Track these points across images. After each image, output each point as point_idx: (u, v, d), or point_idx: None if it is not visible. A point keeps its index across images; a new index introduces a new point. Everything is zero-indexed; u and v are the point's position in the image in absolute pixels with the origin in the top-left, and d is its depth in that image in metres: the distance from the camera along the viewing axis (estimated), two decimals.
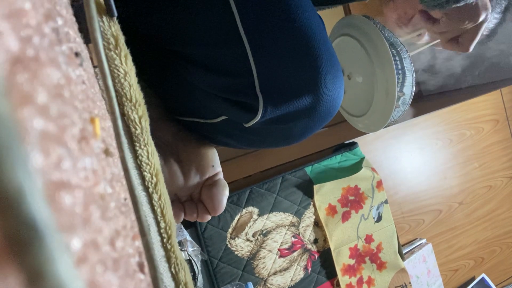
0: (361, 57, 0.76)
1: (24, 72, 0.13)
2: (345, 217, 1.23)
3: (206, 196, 0.57)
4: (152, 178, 0.38)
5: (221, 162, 0.62)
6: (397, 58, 0.70)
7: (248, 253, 1.14)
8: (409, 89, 0.74)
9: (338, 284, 1.23)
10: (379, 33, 0.70)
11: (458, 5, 0.59)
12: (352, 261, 1.24)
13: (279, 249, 1.17)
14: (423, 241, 1.44)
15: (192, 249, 0.94)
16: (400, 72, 0.70)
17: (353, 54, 0.78)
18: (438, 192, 1.47)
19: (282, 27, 0.44)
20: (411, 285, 1.31)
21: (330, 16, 1.19)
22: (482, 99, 1.50)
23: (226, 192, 0.58)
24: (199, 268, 0.94)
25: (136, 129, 0.37)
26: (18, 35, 0.13)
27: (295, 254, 1.19)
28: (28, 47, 0.13)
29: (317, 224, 1.22)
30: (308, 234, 1.21)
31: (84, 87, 0.21)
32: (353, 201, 1.24)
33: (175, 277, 0.39)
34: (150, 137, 0.39)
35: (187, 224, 1.07)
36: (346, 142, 1.29)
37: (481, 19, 0.62)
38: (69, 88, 0.17)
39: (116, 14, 0.33)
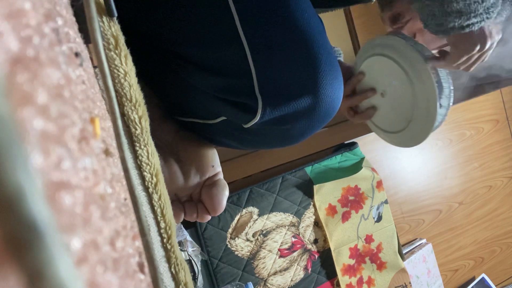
0: (398, 75, 0.77)
1: (24, 72, 0.13)
2: (345, 217, 1.23)
3: (206, 196, 0.57)
4: (152, 178, 0.38)
5: (221, 162, 0.62)
6: (433, 71, 0.71)
7: (248, 253, 1.14)
8: (446, 101, 0.74)
9: (338, 284, 1.23)
10: (415, 51, 0.71)
11: (462, 31, 0.60)
12: (352, 261, 1.24)
13: (279, 249, 1.17)
14: (423, 241, 1.44)
15: (192, 249, 0.94)
16: (437, 84, 0.71)
17: (387, 72, 0.79)
18: (438, 192, 1.47)
19: (281, 29, 0.44)
20: (411, 285, 1.31)
21: (330, 18, 1.19)
22: (482, 99, 1.50)
23: (226, 192, 0.58)
24: (199, 268, 0.94)
25: (136, 129, 0.37)
26: (18, 35, 0.13)
27: (295, 254, 1.19)
28: (28, 47, 0.13)
29: (317, 224, 1.22)
30: (308, 234, 1.21)
31: (84, 87, 0.21)
32: (353, 201, 1.24)
33: (175, 277, 0.39)
34: (150, 137, 0.39)
35: (187, 224, 1.07)
36: (346, 142, 1.29)
37: (485, 47, 0.63)
38: (69, 88, 0.17)
39: (116, 14, 0.33)
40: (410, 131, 0.82)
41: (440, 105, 0.74)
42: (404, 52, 0.73)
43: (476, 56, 0.66)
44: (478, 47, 0.63)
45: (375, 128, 0.92)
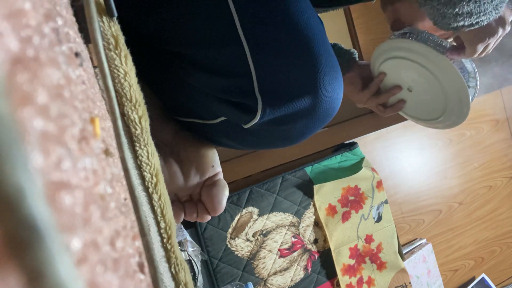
0: (421, 73, 0.78)
1: (24, 72, 0.13)
2: (345, 217, 1.23)
3: (206, 196, 0.57)
4: (152, 178, 0.38)
5: (221, 162, 0.62)
6: (454, 60, 0.72)
7: (248, 253, 1.14)
8: (473, 81, 0.76)
9: (338, 284, 1.23)
10: (431, 48, 0.72)
11: (472, 28, 0.61)
12: (352, 261, 1.24)
13: (279, 249, 1.17)
14: (423, 241, 1.44)
15: (192, 249, 0.94)
16: (461, 70, 0.72)
17: (409, 71, 0.80)
18: (438, 192, 1.47)
19: (281, 29, 0.44)
20: (411, 285, 1.31)
21: (330, 18, 1.19)
22: (482, 99, 1.50)
23: (226, 192, 0.58)
24: (199, 268, 0.94)
25: (136, 129, 0.37)
26: (18, 35, 0.13)
27: (295, 254, 1.19)
28: (28, 47, 0.13)
29: (317, 224, 1.22)
30: (308, 234, 1.21)
31: (84, 87, 0.21)
32: (353, 201, 1.24)
33: (175, 277, 0.39)
34: (150, 137, 0.39)
35: (187, 224, 1.07)
36: (346, 142, 1.29)
37: (499, 34, 0.64)
38: (69, 88, 0.17)
39: (116, 14, 0.33)
40: (445, 118, 0.83)
41: (469, 86, 0.75)
42: (422, 52, 0.74)
43: (492, 44, 0.67)
44: (491, 37, 0.64)
45: (408, 116, 0.93)
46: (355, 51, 0.90)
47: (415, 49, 0.74)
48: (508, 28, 0.65)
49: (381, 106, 0.89)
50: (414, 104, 0.87)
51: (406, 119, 0.95)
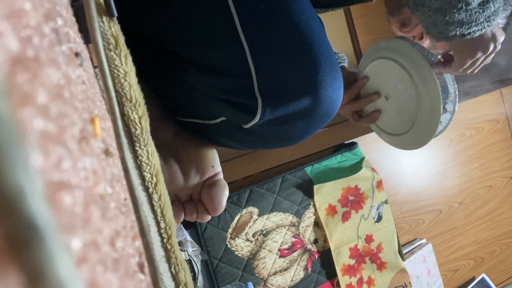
0: (403, 79, 0.77)
1: (24, 72, 0.13)
2: (345, 217, 1.23)
3: (206, 196, 0.57)
4: (152, 178, 0.38)
5: (221, 162, 0.62)
6: (439, 75, 0.72)
7: (248, 253, 1.14)
8: (451, 106, 0.75)
9: (338, 284, 1.23)
10: (420, 55, 0.72)
11: (464, 38, 0.60)
12: (352, 261, 1.24)
13: (279, 249, 1.17)
14: (423, 241, 1.44)
15: (192, 249, 0.94)
16: (442, 89, 0.72)
17: (392, 75, 0.80)
18: (438, 192, 1.47)
19: (280, 28, 0.44)
20: (411, 285, 1.31)
21: (330, 18, 1.19)
22: (482, 99, 1.50)
23: (226, 192, 0.58)
24: (199, 268, 0.94)
25: (136, 129, 0.37)
26: (18, 35, 0.13)
27: (295, 254, 1.19)
28: (28, 47, 0.13)
29: (317, 224, 1.22)
30: (308, 234, 1.21)
31: (84, 87, 0.21)
32: (353, 201, 1.24)
33: (175, 277, 0.39)
34: (150, 137, 0.39)
35: (187, 224, 1.07)
36: (346, 142, 1.29)
37: (490, 50, 0.64)
38: (69, 88, 0.17)
39: (116, 14, 0.33)
40: (413, 134, 0.82)
41: (445, 110, 0.74)
42: (410, 56, 0.74)
43: (481, 59, 0.66)
44: (481, 51, 0.64)
45: (378, 131, 0.92)
46: (344, 56, 0.91)
47: (404, 51, 0.75)
48: (499, 47, 0.65)
49: (357, 115, 0.90)
50: (387, 115, 0.87)
51: None
